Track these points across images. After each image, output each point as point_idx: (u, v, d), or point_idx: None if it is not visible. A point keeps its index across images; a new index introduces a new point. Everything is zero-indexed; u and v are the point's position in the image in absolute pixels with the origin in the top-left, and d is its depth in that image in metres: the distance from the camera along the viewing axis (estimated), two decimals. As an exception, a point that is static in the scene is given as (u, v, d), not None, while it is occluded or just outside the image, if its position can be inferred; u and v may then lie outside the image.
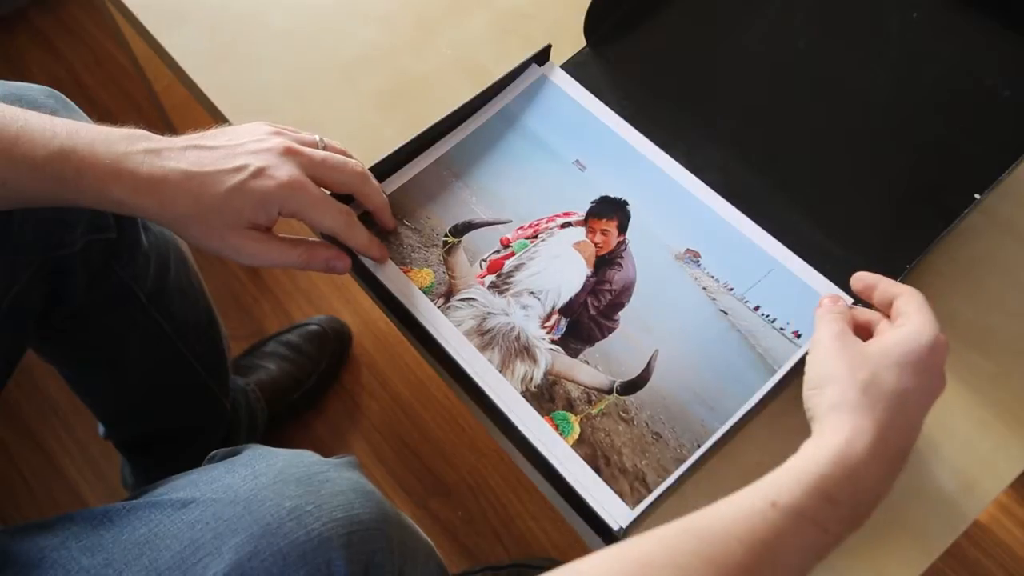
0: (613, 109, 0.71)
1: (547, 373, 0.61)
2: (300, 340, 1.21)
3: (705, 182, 0.68)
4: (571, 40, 0.75)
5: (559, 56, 0.74)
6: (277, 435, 1.16)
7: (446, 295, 0.63)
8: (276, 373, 1.16)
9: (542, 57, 0.74)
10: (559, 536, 1.12)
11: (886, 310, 0.56)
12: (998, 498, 0.73)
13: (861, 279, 0.59)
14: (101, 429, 1.02)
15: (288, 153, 0.58)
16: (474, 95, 0.71)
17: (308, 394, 1.19)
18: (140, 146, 0.55)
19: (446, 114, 0.69)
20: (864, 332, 0.56)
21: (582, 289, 0.64)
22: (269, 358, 1.18)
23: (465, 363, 0.61)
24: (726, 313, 0.63)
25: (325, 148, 0.62)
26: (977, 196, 0.64)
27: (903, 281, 0.63)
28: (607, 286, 0.64)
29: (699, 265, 0.65)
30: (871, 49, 0.69)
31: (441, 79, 0.77)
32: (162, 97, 1.12)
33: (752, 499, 0.45)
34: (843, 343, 0.53)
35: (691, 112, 0.72)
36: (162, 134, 0.57)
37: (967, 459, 0.61)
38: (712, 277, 0.64)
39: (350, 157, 0.63)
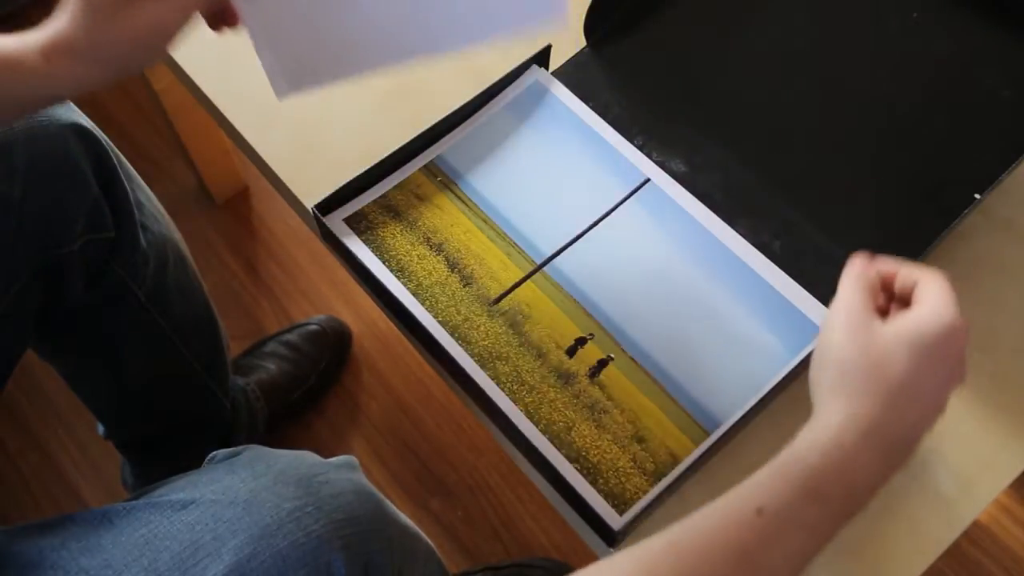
0: (612, 109, 0.71)
1: None
2: (300, 340, 1.20)
3: (705, 182, 0.68)
4: (571, 40, 0.75)
5: (559, 56, 0.74)
6: (277, 435, 1.16)
7: None
8: (276, 373, 1.16)
9: (542, 57, 0.73)
10: (559, 536, 1.12)
11: (906, 296, 0.51)
12: (998, 498, 0.73)
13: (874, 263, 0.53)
14: (101, 429, 1.02)
15: None
16: (474, 95, 0.71)
17: (308, 394, 1.19)
18: None
19: (446, 114, 0.69)
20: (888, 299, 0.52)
21: None
22: (269, 358, 1.18)
23: (466, 363, 0.61)
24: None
25: None
26: (977, 196, 0.64)
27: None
28: None
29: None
30: (871, 49, 0.69)
31: (441, 79, 0.77)
32: (162, 97, 1.12)
33: (738, 506, 0.44)
34: (860, 320, 0.48)
35: (691, 112, 0.72)
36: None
37: (967, 459, 0.61)
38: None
39: None
